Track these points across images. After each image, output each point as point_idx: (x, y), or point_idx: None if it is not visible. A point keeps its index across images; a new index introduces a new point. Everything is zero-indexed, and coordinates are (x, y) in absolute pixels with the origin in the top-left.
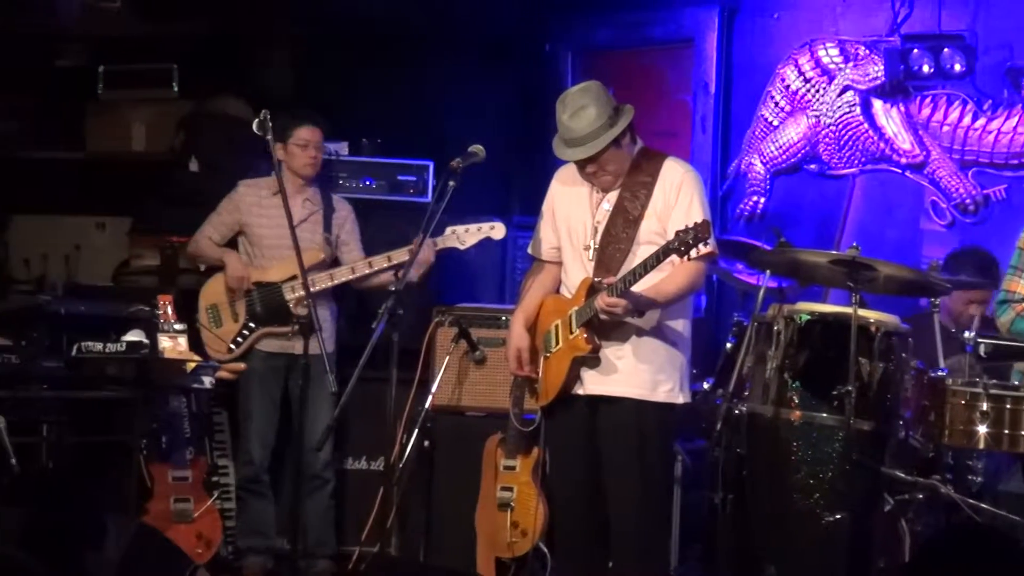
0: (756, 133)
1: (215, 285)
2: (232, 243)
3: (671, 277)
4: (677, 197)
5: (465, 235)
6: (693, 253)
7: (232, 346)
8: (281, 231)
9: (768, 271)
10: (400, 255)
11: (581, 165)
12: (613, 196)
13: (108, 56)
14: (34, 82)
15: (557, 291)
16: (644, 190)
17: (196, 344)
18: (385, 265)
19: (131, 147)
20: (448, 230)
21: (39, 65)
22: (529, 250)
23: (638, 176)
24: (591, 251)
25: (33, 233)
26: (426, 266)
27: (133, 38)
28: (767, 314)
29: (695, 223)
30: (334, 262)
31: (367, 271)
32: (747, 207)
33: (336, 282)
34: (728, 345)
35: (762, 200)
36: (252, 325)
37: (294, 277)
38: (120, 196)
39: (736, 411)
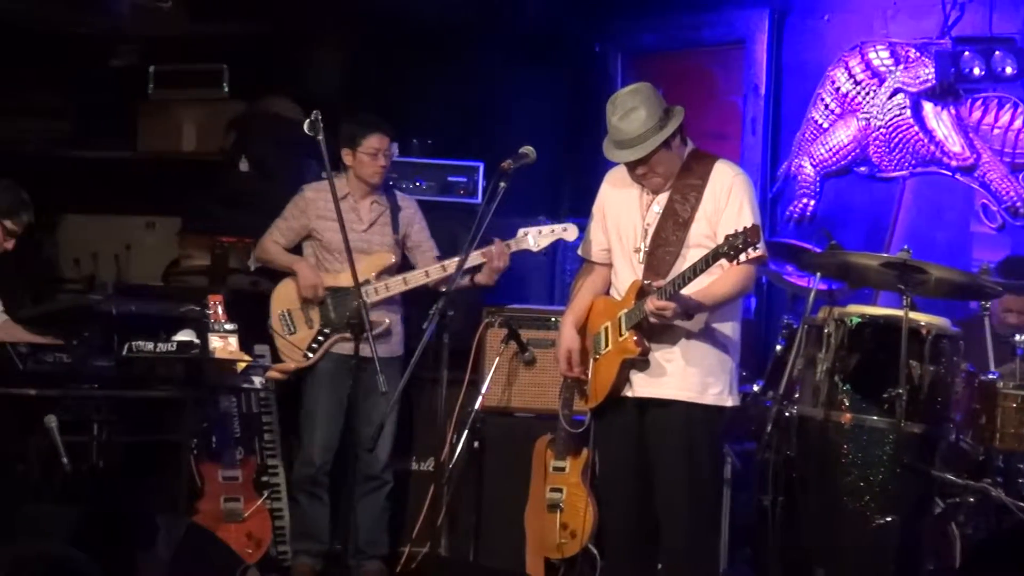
0: (806, 135)
1: (287, 290)
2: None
3: (721, 280)
4: (727, 200)
5: (539, 237)
6: (742, 258)
7: (309, 353)
8: (350, 234)
9: (819, 273)
10: (474, 258)
11: (631, 167)
12: (663, 198)
13: (159, 56)
14: (86, 82)
15: (607, 293)
16: (694, 193)
17: (254, 342)
18: (442, 274)
19: (181, 147)
20: (521, 232)
21: (91, 65)
22: (579, 251)
23: (688, 178)
24: (641, 253)
25: (83, 232)
26: (500, 269)
27: (184, 38)
28: (817, 316)
29: (745, 228)
30: (404, 263)
31: (441, 275)
32: (797, 209)
33: (410, 286)
34: (778, 347)
35: (812, 202)
36: (327, 331)
37: (367, 281)
38: (170, 196)
39: (786, 413)
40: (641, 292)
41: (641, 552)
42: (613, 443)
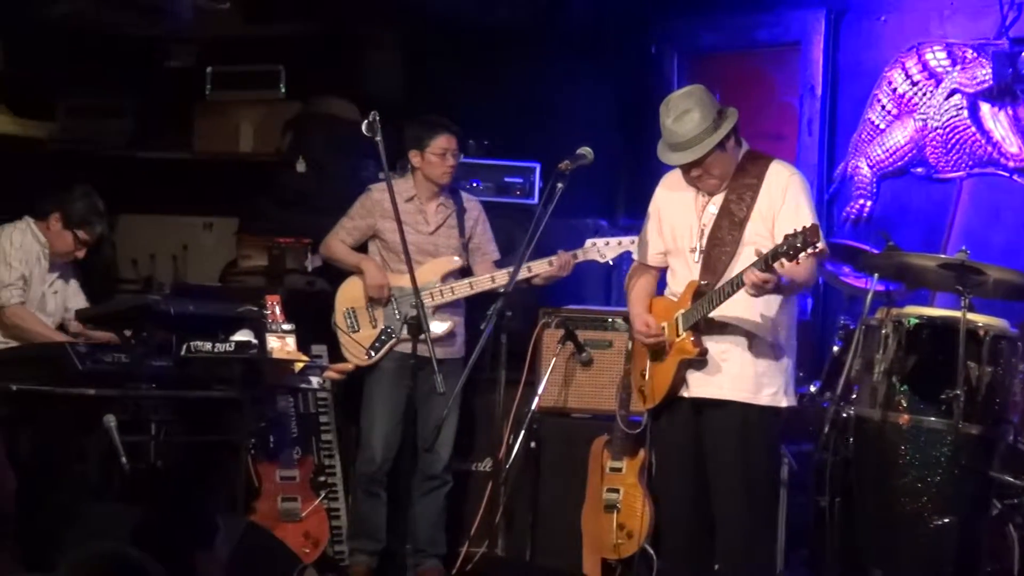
0: (862, 136)
1: (352, 288)
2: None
3: (790, 271)
4: (784, 199)
5: (606, 248)
6: (801, 256)
7: (371, 351)
8: (416, 236)
9: (876, 275)
10: (540, 266)
11: (686, 169)
12: (719, 199)
13: (216, 57)
14: (144, 83)
15: (659, 293)
16: (750, 192)
17: (311, 342)
18: (526, 275)
19: (238, 148)
20: (588, 243)
21: (149, 66)
22: (634, 255)
23: (744, 179)
24: (697, 253)
25: (141, 233)
26: (563, 276)
27: (241, 39)
28: (875, 318)
29: (804, 227)
30: (469, 267)
31: (489, 287)
32: (853, 210)
33: (476, 291)
34: (835, 348)
35: (868, 203)
36: (390, 331)
37: (432, 284)
38: (227, 196)
39: (844, 414)
40: (697, 293)
41: (697, 552)
42: (670, 444)
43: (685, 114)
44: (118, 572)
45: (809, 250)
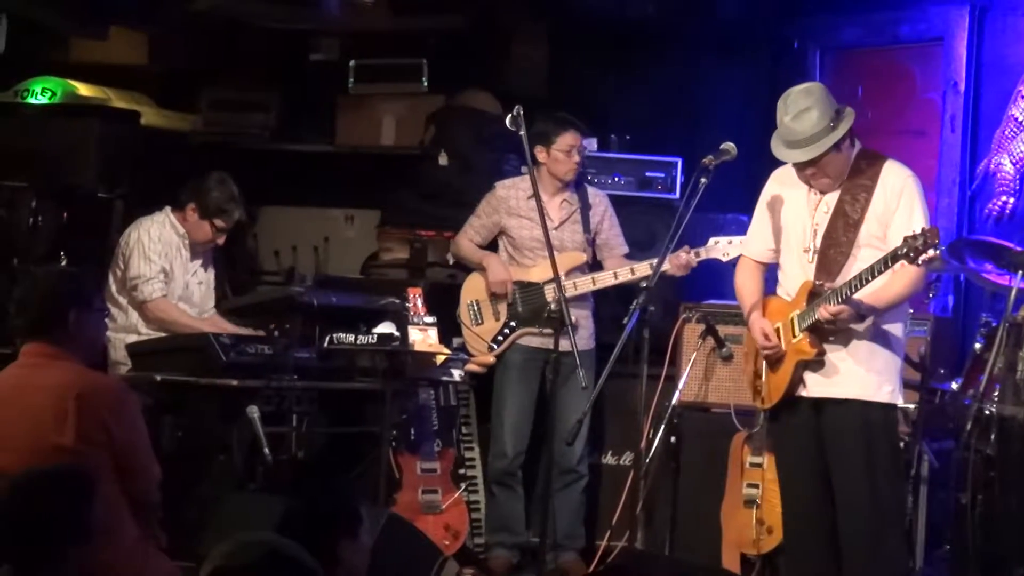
0: (1006, 132)
1: (477, 281)
2: (492, 243)
3: (892, 282)
4: (899, 202)
5: (728, 247)
6: (922, 259)
7: (493, 345)
8: (541, 232)
9: (1020, 272)
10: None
11: (800, 167)
12: (832, 198)
13: (360, 50)
14: (288, 76)
15: (767, 292)
16: (864, 193)
17: (452, 335)
18: (649, 273)
19: (380, 140)
20: (711, 241)
21: (293, 59)
22: (743, 250)
23: (858, 179)
24: (811, 253)
25: (283, 225)
26: (685, 272)
27: (384, 33)
28: (1019, 315)
29: (924, 229)
30: (595, 261)
31: (629, 278)
32: (996, 207)
33: (599, 287)
34: (977, 345)
35: (1012, 200)
36: (513, 324)
37: (557, 278)
38: (369, 189)
39: (986, 412)
40: (812, 293)
41: (822, 553)
42: (791, 444)
43: (804, 112)
44: (270, 561)
45: (930, 251)
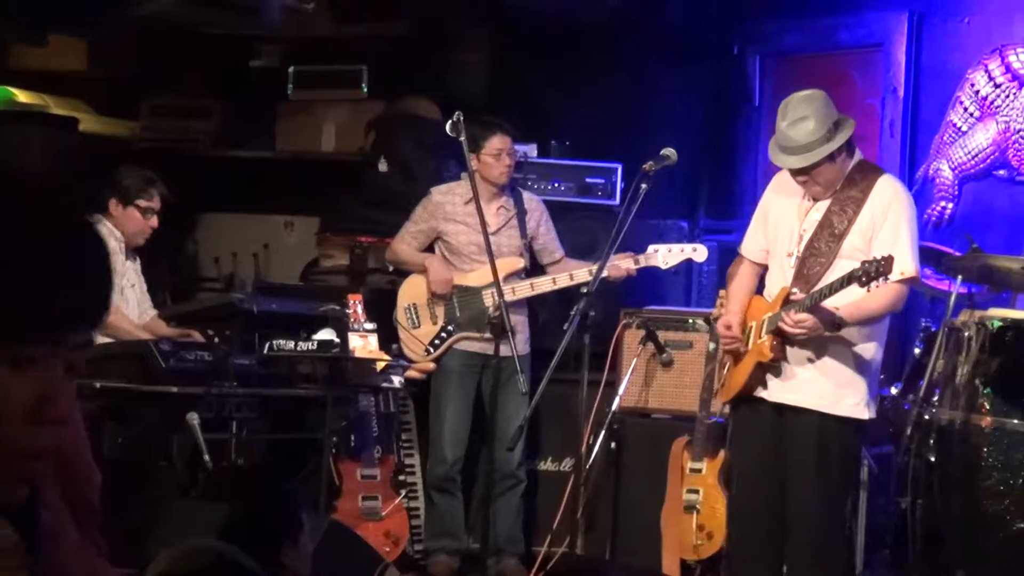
0: (944, 138)
1: (415, 285)
2: (428, 248)
3: (872, 297)
4: (885, 219)
5: (668, 255)
6: (873, 286)
7: (430, 348)
8: (478, 237)
9: (960, 277)
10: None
11: (793, 173)
12: (823, 207)
13: (299, 57)
14: (230, 82)
15: (758, 291)
16: (853, 205)
17: (392, 341)
18: (587, 279)
19: (320, 147)
20: (651, 248)
21: (235, 66)
22: (740, 248)
23: (850, 190)
24: (792, 258)
25: (223, 231)
26: (624, 278)
27: (326, 39)
28: (958, 320)
29: (881, 257)
30: (533, 266)
31: (568, 283)
32: (935, 213)
33: (537, 292)
34: (916, 351)
35: (950, 206)
36: (451, 328)
37: (495, 284)
38: (309, 196)
39: (926, 417)
40: (787, 300)
41: (765, 546)
42: (749, 440)
43: (801, 120)
44: (215, 567)
45: (879, 281)
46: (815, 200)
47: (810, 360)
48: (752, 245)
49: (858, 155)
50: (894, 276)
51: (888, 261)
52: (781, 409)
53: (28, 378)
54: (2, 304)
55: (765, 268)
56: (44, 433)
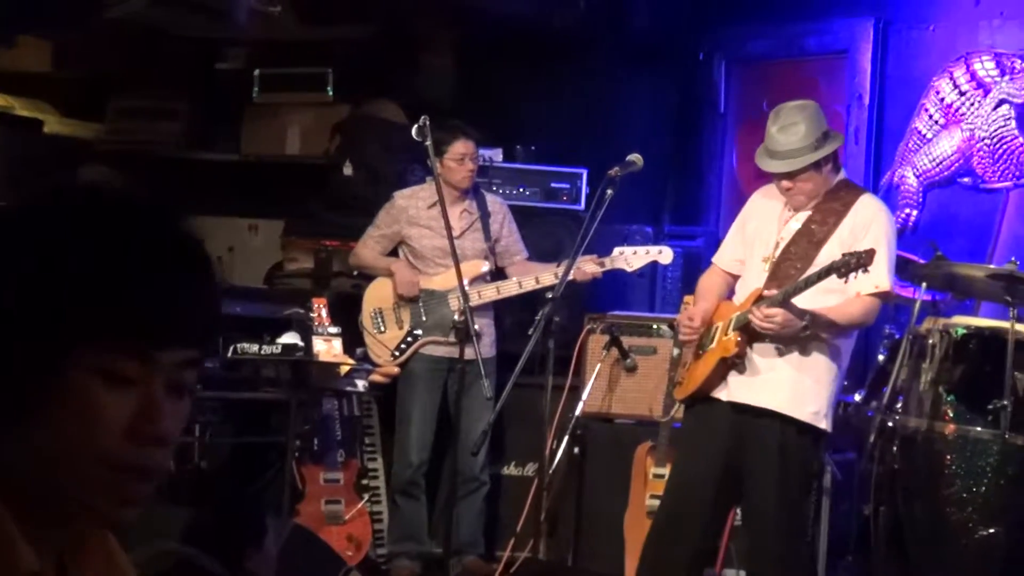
0: (909, 145)
1: (380, 289)
2: (392, 253)
3: (842, 306)
4: (866, 233)
5: (633, 258)
6: (851, 277)
7: (396, 353)
8: (443, 241)
9: (924, 284)
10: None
11: (777, 179)
12: (802, 217)
13: (265, 60)
14: (193, 84)
15: (729, 298)
16: (834, 217)
17: (357, 345)
18: (554, 282)
19: (285, 150)
20: (616, 251)
21: (201, 68)
22: (713, 257)
23: (832, 203)
24: (768, 263)
25: None
26: (590, 280)
27: (292, 42)
28: (922, 327)
29: (862, 251)
30: (498, 269)
31: (533, 287)
32: (899, 220)
33: (503, 296)
34: (880, 357)
35: (915, 213)
36: (416, 333)
37: (460, 288)
38: (274, 199)
39: (889, 424)
40: (759, 299)
41: (690, 542)
42: (700, 438)
43: (792, 126)
44: (180, 570)
45: (858, 272)
46: (796, 210)
47: (775, 363)
48: (727, 255)
49: (843, 173)
50: (868, 288)
51: (869, 254)
52: (740, 410)
53: (123, 394)
54: (71, 307)
55: (736, 279)
56: (149, 453)
